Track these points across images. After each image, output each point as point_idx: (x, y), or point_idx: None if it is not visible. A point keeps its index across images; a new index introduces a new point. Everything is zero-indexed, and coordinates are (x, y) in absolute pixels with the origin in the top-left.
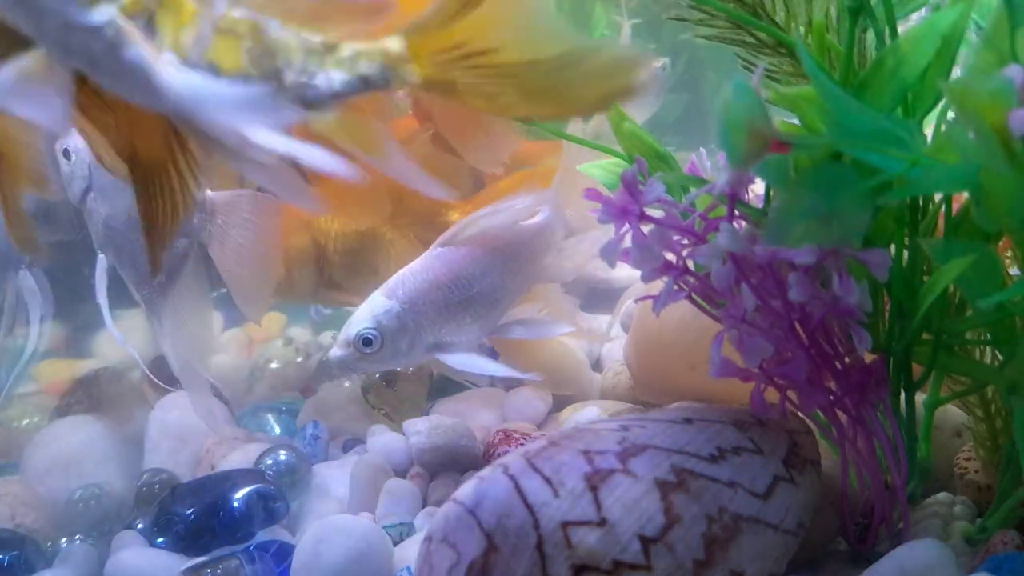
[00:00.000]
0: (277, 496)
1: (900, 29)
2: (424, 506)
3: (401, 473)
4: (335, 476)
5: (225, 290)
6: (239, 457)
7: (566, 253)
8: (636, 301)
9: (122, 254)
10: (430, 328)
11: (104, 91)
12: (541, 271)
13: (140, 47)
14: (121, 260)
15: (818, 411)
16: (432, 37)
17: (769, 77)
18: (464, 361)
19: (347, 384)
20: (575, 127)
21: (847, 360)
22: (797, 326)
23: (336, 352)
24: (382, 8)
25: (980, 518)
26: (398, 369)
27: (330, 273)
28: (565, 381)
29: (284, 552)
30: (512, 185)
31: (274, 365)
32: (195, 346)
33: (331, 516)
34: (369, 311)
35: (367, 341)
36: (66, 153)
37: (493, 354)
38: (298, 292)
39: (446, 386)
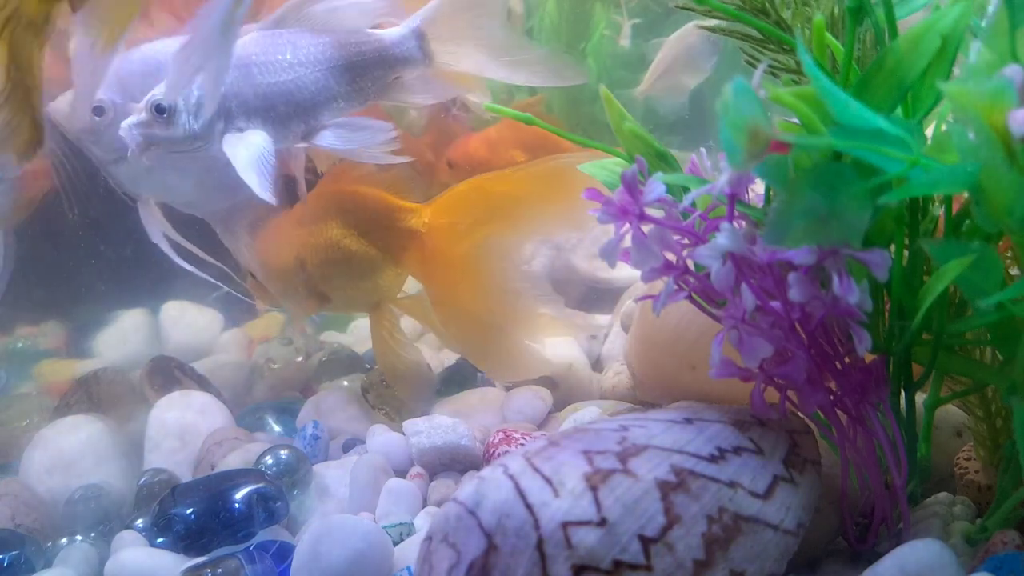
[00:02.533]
0: (277, 496)
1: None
2: (424, 506)
3: (401, 473)
4: (335, 476)
5: (226, 291)
6: (239, 457)
7: (431, 80)
8: (636, 301)
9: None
10: (234, 111)
11: None
12: (390, 87)
13: None
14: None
15: (818, 411)
16: None
17: (773, 73)
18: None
19: (346, 384)
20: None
21: (847, 360)
22: (797, 326)
23: (132, 118)
24: None
25: (980, 518)
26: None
27: (314, 285)
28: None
29: (284, 552)
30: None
31: (274, 365)
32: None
33: (331, 516)
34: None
35: (160, 109)
36: (98, 110)
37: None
38: (292, 301)
39: (446, 386)
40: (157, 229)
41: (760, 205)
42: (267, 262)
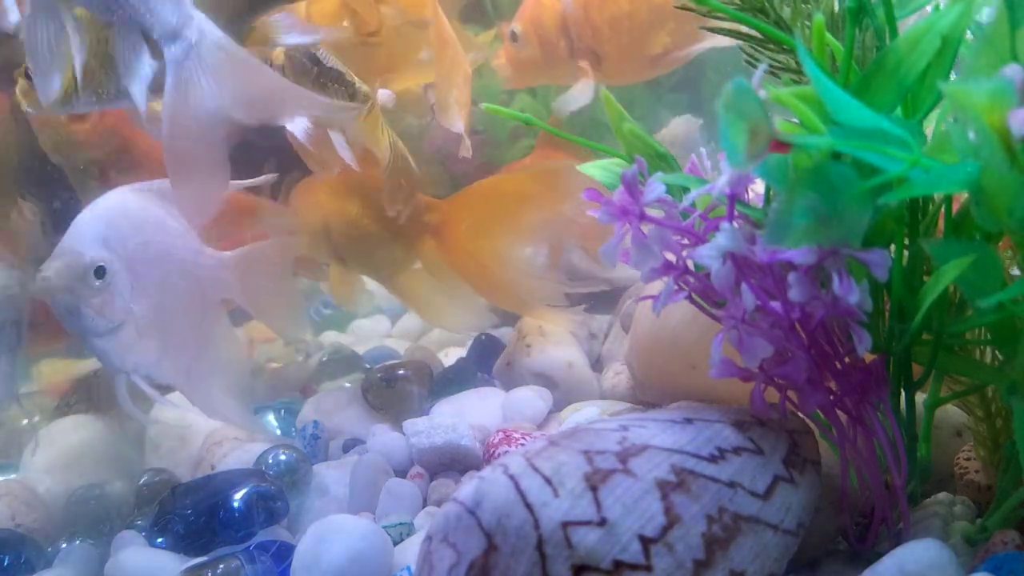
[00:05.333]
0: (277, 496)
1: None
2: (424, 506)
3: (401, 473)
4: (335, 476)
5: None
6: (239, 457)
7: None
8: (636, 301)
9: None
10: None
11: None
12: None
13: None
14: None
15: (818, 411)
16: None
17: (773, 73)
18: None
19: (347, 384)
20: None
21: (847, 360)
22: (797, 326)
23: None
24: None
25: (980, 518)
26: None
27: (336, 250)
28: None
29: (284, 552)
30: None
31: (274, 365)
32: None
33: (331, 516)
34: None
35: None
36: (100, 271)
37: None
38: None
39: (446, 386)
40: (132, 406)
41: (760, 205)
42: (300, 221)
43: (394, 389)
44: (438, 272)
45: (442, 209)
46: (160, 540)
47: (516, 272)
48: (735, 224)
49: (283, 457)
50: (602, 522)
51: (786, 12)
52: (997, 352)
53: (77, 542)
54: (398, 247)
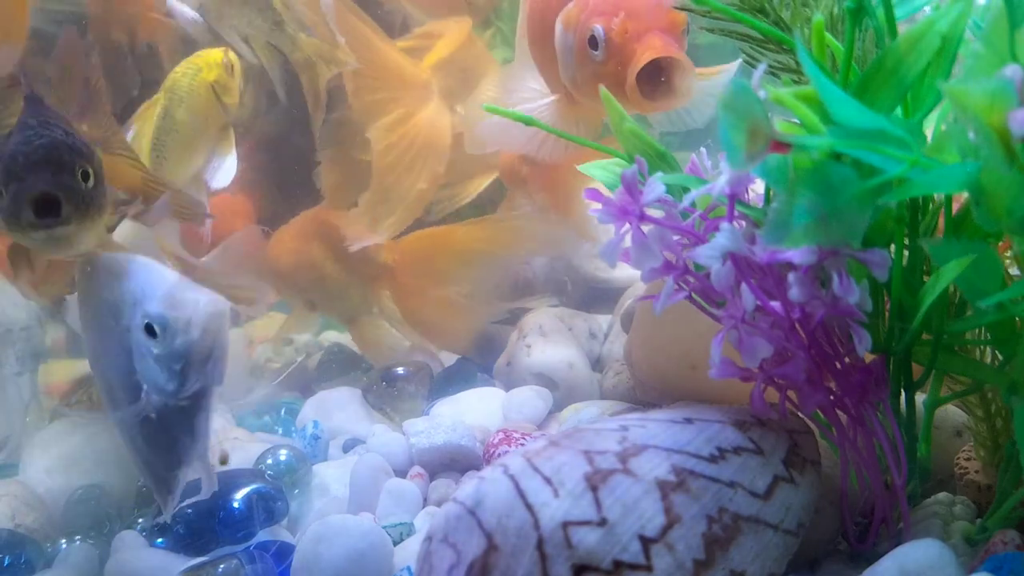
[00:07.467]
0: (277, 496)
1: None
2: (424, 506)
3: (401, 473)
4: (335, 476)
5: None
6: (239, 457)
7: None
8: (636, 301)
9: None
10: None
11: None
12: None
13: None
14: None
15: (818, 411)
16: None
17: (773, 73)
18: None
19: (346, 384)
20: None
21: (847, 360)
22: (797, 326)
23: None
24: None
25: (980, 518)
26: None
27: (303, 293)
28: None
29: (284, 552)
30: None
31: (274, 365)
32: None
33: (331, 516)
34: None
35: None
36: (158, 324)
37: None
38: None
39: (446, 386)
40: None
41: (760, 205)
42: (270, 265)
43: (394, 389)
44: (391, 314)
45: (395, 250)
46: (160, 540)
47: (458, 318)
48: (735, 224)
49: (283, 457)
50: (602, 522)
51: (786, 13)
52: (997, 352)
53: (77, 542)
54: (355, 289)
